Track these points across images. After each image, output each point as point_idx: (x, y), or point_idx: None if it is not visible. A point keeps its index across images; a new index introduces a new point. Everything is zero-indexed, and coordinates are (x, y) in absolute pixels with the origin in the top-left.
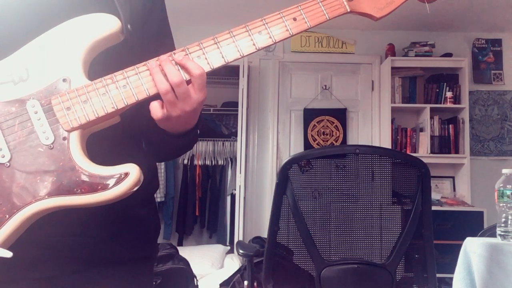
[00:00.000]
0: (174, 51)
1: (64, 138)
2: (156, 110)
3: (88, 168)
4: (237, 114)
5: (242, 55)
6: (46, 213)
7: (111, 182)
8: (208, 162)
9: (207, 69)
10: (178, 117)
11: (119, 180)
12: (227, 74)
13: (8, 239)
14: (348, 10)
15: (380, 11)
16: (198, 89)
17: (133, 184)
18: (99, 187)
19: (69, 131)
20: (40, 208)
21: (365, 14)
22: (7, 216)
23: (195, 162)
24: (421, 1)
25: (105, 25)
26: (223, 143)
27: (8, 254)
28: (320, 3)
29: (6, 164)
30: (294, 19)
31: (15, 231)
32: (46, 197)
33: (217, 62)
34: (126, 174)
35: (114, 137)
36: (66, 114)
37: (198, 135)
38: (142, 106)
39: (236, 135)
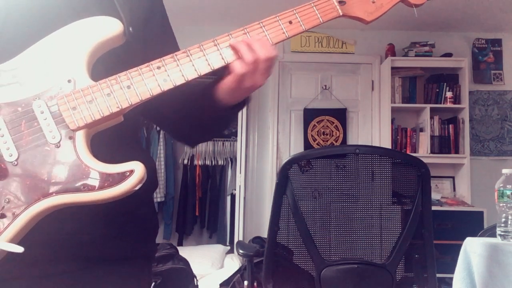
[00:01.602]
0: (176, 53)
1: (70, 137)
2: (237, 66)
3: (94, 166)
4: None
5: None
6: (53, 210)
7: (116, 179)
8: (208, 162)
9: (208, 70)
10: (245, 89)
11: (125, 177)
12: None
13: (16, 236)
14: (341, 14)
15: (370, 15)
16: (270, 68)
17: (137, 181)
18: (105, 184)
19: (75, 130)
20: (48, 206)
21: (357, 17)
22: (16, 213)
23: (195, 162)
24: (409, 6)
25: (108, 28)
26: (223, 143)
27: (19, 249)
28: (314, 7)
29: (14, 163)
30: (290, 22)
31: (23, 228)
32: (54, 194)
33: (217, 63)
34: (131, 171)
35: (116, 137)
36: (72, 113)
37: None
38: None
39: (236, 135)
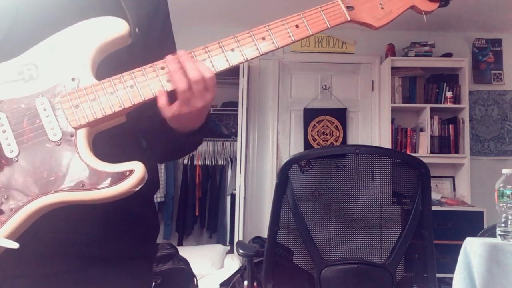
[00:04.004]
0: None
1: (72, 135)
2: (165, 109)
3: (94, 164)
4: (237, 114)
5: (246, 59)
6: (52, 208)
7: (116, 179)
8: (208, 162)
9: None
10: (190, 113)
11: (124, 177)
12: (227, 74)
13: (14, 232)
14: (348, 19)
15: (378, 21)
16: (210, 89)
17: (137, 181)
18: (104, 184)
19: (76, 128)
20: (46, 203)
21: (365, 23)
22: (14, 209)
23: (195, 162)
24: (419, 13)
25: (115, 28)
26: (223, 143)
27: (14, 245)
28: (321, 11)
29: (14, 159)
30: (297, 26)
31: (21, 225)
32: (52, 192)
33: (221, 65)
34: (131, 171)
35: (119, 137)
36: (74, 111)
37: (204, 135)
38: (149, 106)
39: (236, 135)
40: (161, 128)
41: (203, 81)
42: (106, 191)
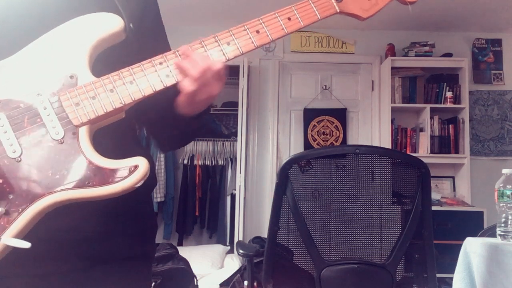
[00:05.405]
0: (178, 49)
1: (74, 133)
2: (187, 84)
3: (98, 161)
4: (237, 114)
5: (241, 52)
6: (57, 206)
7: (121, 174)
8: (208, 162)
9: None
10: (200, 101)
11: (130, 173)
12: (227, 74)
13: (21, 232)
14: (338, 10)
15: (366, 12)
16: (221, 77)
17: (142, 176)
18: (110, 180)
19: (78, 126)
20: (52, 201)
21: (353, 14)
22: (20, 209)
23: (195, 162)
24: (404, 3)
25: (110, 24)
26: (223, 143)
27: (26, 245)
28: (311, 4)
29: (17, 159)
30: (289, 18)
31: (28, 224)
32: (58, 190)
33: (217, 59)
34: (136, 167)
35: (118, 133)
36: (75, 109)
37: (206, 119)
38: (152, 98)
39: (236, 135)
40: (167, 114)
41: (212, 68)
42: (112, 187)
